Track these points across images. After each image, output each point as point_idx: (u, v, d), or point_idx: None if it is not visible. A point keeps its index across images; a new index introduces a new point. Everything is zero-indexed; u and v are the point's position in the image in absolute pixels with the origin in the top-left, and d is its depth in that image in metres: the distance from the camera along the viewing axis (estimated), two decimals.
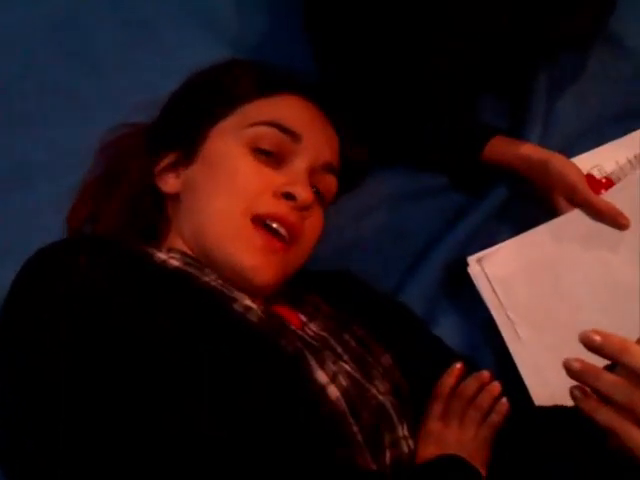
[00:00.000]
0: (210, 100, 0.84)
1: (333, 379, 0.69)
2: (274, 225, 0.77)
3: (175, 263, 0.74)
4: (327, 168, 0.83)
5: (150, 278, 0.69)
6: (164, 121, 0.88)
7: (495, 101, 1.12)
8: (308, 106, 0.85)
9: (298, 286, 0.85)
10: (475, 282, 0.93)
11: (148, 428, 0.57)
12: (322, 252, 0.98)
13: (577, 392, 0.62)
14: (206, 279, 0.73)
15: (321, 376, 0.69)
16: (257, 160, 0.79)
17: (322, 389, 0.68)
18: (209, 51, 1.05)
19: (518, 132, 1.04)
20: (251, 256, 0.75)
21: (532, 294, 0.92)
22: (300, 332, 0.75)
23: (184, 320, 0.64)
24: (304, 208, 0.78)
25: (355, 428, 0.68)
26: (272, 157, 0.79)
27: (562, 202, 0.94)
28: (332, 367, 0.71)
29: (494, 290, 0.92)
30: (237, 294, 0.72)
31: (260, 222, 0.77)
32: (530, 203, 1.00)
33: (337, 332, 0.81)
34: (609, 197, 0.93)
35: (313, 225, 0.82)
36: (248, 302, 0.72)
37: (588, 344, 0.61)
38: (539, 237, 0.94)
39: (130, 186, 0.83)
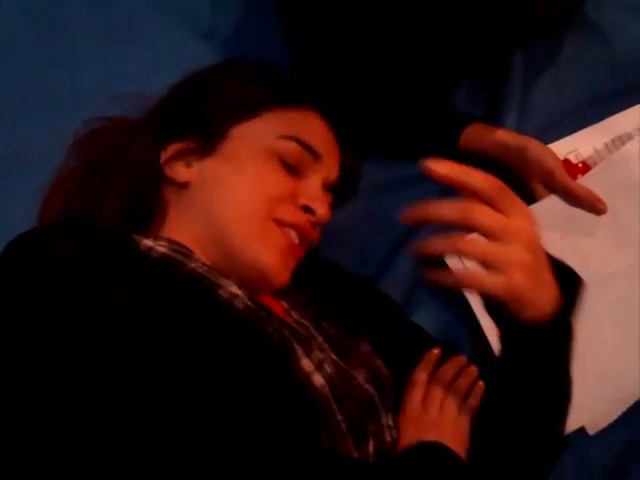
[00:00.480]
0: (233, 99, 0.84)
1: (319, 367, 0.70)
2: (291, 233, 0.79)
3: (161, 250, 0.73)
4: (331, 187, 0.86)
5: (136, 267, 0.68)
6: (175, 108, 0.86)
7: (471, 89, 1.11)
8: (325, 125, 0.87)
9: None
10: (452, 269, 0.92)
11: (148, 428, 0.56)
12: None
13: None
14: (192, 265, 0.73)
15: (306, 364, 0.69)
16: (282, 169, 0.80)
17: (307, 377, 0.68)
18: (189, 46, 1.05)
19: (495, 120, 1.04)
20: (275, 256, 0.77)
21: None
22: (286, 320, 0.75)
23: (179, 315, 0.64)
24: (320, 224, 0.82)
25: (339, 416, 0.68)
26: (292, 169, 0.81)
27: (539, 188, 0.94)
28: (319, 355, 0.71)
29: None
30: (222, 281, 0.73)
31: (282, 225, 0.79)
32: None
33: (316, 320, 0.81)
34: (586, 182, 0.93)
35: (316, 238, 0.84)
36: (234, 289, 0.72)
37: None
38: None
39: (130, 174, 0.82)
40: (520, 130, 1.02)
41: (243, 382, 0.63)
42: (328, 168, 0.84)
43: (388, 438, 0.74)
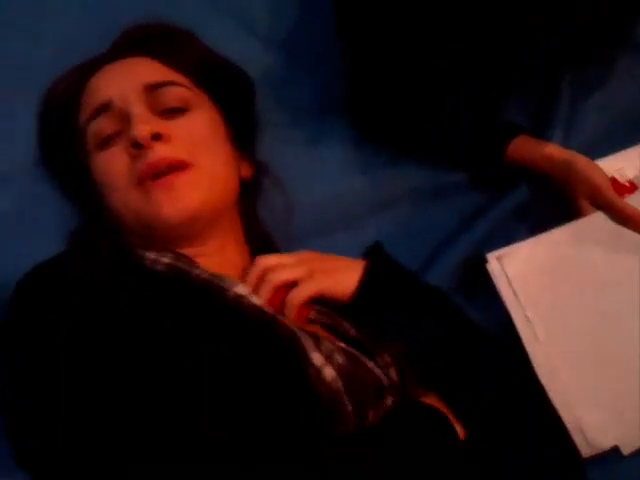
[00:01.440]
0: (64, 154, 0.89)
1: (329, 358, 0.69)
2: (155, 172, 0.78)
3: (166, 260, 0.76)
4: (153, 87, 0.83)
5: (142, 276, 0.73)
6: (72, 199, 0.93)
7: (519, 102, 1.11)
8: (101, 72, 0.87)
9: None
10: (494, 280, 0.91)
11: (148, 428, 0.57)
12: (342, 243, 1.00)
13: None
14: (196, 272, 0.74)
15: (317, 357, 0.69)
16: (106, 148, 0.82)
17: (318, 371, 0.68)
18: (247, 50, 1.05)
19: (540, 133, 1.04)
20: (159, 204, 0.77)
21: (551, 294, 0.91)
22: None
23: (183, 319, 0.66)
24: (153, 138, 0.79)
25: (349, 407, 0.68)
26: (117, 135, 0.81)
27: (585, 204, 0.94)
28: (328, 346, 0.71)
29: (513, 288, 0.90)
30: (228, 283, 0.74)
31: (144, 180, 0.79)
32: (551, 203, 0.99)
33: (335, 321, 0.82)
34: (633, 201, 0.93)
35: (189, 132, 0.82)
36: (239, 289, 0.73)
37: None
38: (560, 237, 0.93)
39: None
40: (565, 146, 1.01)
41: (247, 382, 0.63)
42: (128, 90, 0.82)
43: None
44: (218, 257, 0.82)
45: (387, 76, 1.00)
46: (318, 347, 0.70)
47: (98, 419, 0.57)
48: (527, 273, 0.92)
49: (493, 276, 0.92)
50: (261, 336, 0.69)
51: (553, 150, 0.98)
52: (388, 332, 0.79)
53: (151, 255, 0.77)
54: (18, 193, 0.94)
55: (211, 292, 0.72)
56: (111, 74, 0.86)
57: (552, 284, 0.91)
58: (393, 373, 0.77)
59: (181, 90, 0.85)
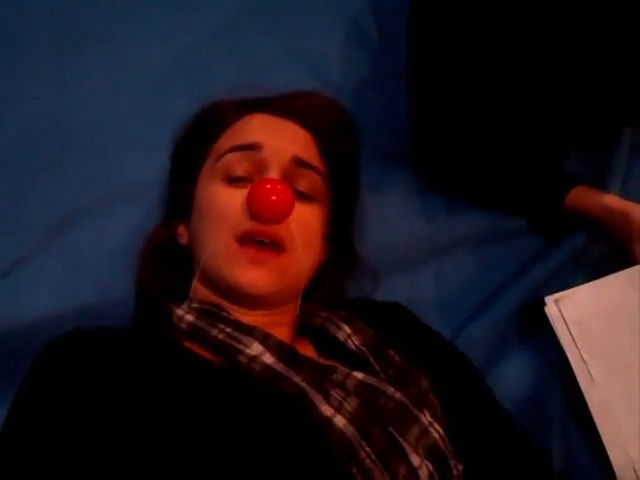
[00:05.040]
0: (188, 155, 0.92)
1: (338, 409, 0.71)
2: (258, 238, 0.80)
3: (189, 319, 0.80)
4: (299, 163, 0.85)
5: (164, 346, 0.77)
6: (168, 190, 0.98)
7: (579, 157, 1.14)
8: (264, 118, 0.89)
9: (352, 312, 0.89)
10: (551, 321, 0.96)
11: None
12: (401, 286, 1.04)
13: None
14: (214, 333, 0.78)
15: (326, 410, 0.71)
16: (231, 186, 0.84)
17: (328, 420, 0.70)
18: None
19: (599, 182, 1.08)
20: (242, 272, 0.80)
21: (607, 337, 0.94)
22: (312, 361, 0.77)
23: (186, 389, 0.70)
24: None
25: (368, 449, 0.69)
26: (247, 179, 0.84)
27: None
28: (337, 397, 0.73)
29: (570, 331, 0.95)
30: (244, 342, 0.77)
31: (247, 239, 0.81)
32: (608, 250, 1.04)
33: (379, 348, 0.83)
34: None
35: (301, 224, 0.83)
36: (252, 350, 0.76)
37: None
38: (616, 283, 0.97)
39: (155, 247, 0.93)
40: (623, 196, 1.05)
41: (258, 443, 0.67)
42: (280, 148, 0.85)
43: (435, 435, 0.73)
44: (262, 317, 0.84)
45: (452, 125, 1.06)
46: (327, 400, 0.72)
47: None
48: (584, 316, 0.96)
49: (551, 318, 0.96)
50: (269, 397, 0.72)
51: (611, 200, 1.02)
52: None
53: (180, 312, 0.81)
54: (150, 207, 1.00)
55: (225, 352, 0.76)
56: (273, 126, 0.88)
57: (608, 327, 0.95)
58: (432, 398, 0.78)
59: (318, 181, 0.87)
